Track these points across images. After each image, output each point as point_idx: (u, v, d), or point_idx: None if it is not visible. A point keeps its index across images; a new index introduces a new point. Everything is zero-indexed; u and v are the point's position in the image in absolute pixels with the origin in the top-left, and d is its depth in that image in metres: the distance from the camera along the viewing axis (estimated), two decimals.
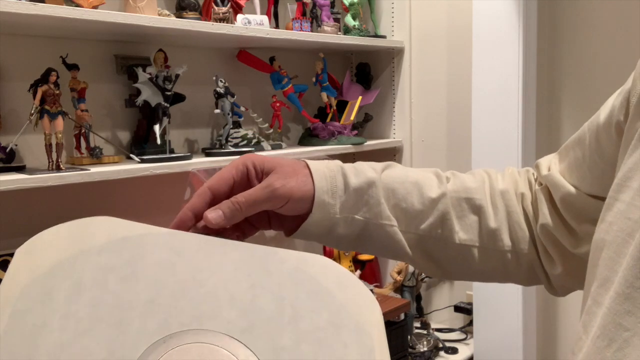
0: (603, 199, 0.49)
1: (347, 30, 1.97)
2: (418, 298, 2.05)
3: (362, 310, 0.51)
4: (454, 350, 1.93)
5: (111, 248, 0.49)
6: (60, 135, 1.27)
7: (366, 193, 0.64)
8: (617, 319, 0.42)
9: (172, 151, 1.53)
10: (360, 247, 0.67)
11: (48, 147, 1.27)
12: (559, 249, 0.65)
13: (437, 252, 0.68)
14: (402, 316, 1.82)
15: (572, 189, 0.63)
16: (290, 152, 1.74)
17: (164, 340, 0.46)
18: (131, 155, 1.43)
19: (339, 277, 0.52)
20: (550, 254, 0.66)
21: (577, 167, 0.62)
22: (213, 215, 0.56)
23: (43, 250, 0.49)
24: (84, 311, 0.46)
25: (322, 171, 0.63)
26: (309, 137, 1.94)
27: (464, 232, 0.67)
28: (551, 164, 0.68)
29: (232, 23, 1.56)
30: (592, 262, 0.49)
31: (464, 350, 1.94)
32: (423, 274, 2.02)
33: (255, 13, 1.70)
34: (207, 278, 0.50)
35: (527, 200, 0.69)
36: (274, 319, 0.48)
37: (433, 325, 2.03)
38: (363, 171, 0.65)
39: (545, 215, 0.65)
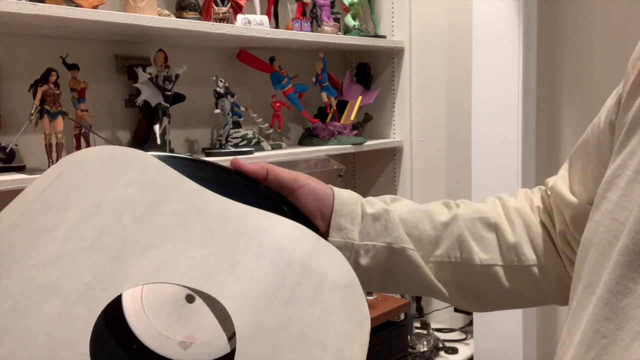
0: None
1: (347, 30, 1.97)
2: (418, 298, 2.05)
3: (353, 319, 0.49)
4: (454, 350, 1.93)
5: (138, 185, 0.50)
6: (60, 135, 1.27)
7: (383, 218, 0.64)
8: (596, 325, 0.41)
9: (172, 151, 1.53)
10: (388, 281, 0.65)
11: (48, 147, 1.27)
12: None
13: (462, 278, 0.65)
14: (402, 316, 1.82)
15: (574, 201, 0.60)
16: (290, 152, 1.74)
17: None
18: None
19: (347, 278, 0.51)
20: (574, 262, 0.63)
21: (584, 173, 0.60)
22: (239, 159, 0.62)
23: (79, 164, 0.50)
24: (90, 232, 0.46)
25: (344, 195, 0.65)
26: (309, 137, 1.94)
27: (483, 252, 0.65)
28: (558, 177, 0.65)
29: (232, 23, 1.56)
30: (579, 263, 0.48)
31: (464, 350, 1.94)
32: None
33: (255, 13, 1.70)
34: (216, 242, 0.49)
35: (543, 212, 0.67)
36: (265, 296, 0.47)
37: (433, 325, 2.03)
38: (376, 202, 0.66)
39: (561, 223, 0.63)
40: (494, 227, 0.66)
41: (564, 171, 0.65)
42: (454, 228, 0.65)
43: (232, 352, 0.46)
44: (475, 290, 0.66)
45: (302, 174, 0.64)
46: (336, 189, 0.65)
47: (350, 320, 0.49)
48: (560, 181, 0.64)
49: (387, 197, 0.68)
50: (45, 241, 0.45)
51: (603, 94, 0.57)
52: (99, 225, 0.46)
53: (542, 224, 0.67)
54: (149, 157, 0.52)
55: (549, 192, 0.68)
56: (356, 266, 0.63)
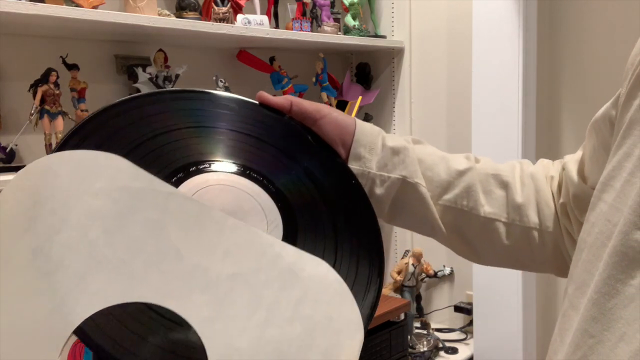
0: None
1: (347, 30, 1.97)
2: (418, 298, 2.05)
3: (341, 333, 0.46)
4: (454, 350, 1.93)
5: (108, 194, 0.47)
6: (60, 135, 1.27)
7: (402, 153, 0.66)
8: (585, 325, 0.42)
9: None
10: (397, 212, 0.68)
11: (48, 147, 1.27)
12: (577, 230, 0.64)
13: (464, 226, 0.68)
14: (402, 316, 1.82)
15: (578, 181, 0.62)
16: None
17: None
18: None
19: (332, 289, 0.48)
20: (572, 234, 0.65)
21: (590, 159, 0.62)
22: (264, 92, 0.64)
23: (44, 173, 0.46)
24: (56, 251, 0.44)
25: (366, 126, 0.67)
26: None
27: (489, 205, 0.67)
28: (574, 155, 0.67)
29: (232, 23, 1.56)
30: (574, 263, 0.48)
31: (464, 350, 1.94)
32: (423, 274, 2.02)
33: (255, 13, 1.70)
34: (191, 255, 0.46)
35: (555, 182, 0.70)
36: (241, 318, 0.45)
37: (433, 325, 2.03)
38: (397, 138, 0.69)
39: (565, 196, 0.66)
40: (505, 186, 0.68)
41: (580, 151, 0.67)
42: (467, 178, 0.68)
43: None
44: (474, 239, 0.68)
45: (324, 105, 0.67)
46: (359, 121, 0.68)
47: (336, 333, 0.46)
48: (573, 160, 0.66)
49: (410, 137, 0.71)
50: (9, 270, 0.42)
51: (603, 94, 0.57)
52: (64, 242, 0.44)
53: (552, 193, 0.69)
54: (122, 162, 0.48)
55: (564, 168, 0.70)
56: (371, 194, 0.65)
